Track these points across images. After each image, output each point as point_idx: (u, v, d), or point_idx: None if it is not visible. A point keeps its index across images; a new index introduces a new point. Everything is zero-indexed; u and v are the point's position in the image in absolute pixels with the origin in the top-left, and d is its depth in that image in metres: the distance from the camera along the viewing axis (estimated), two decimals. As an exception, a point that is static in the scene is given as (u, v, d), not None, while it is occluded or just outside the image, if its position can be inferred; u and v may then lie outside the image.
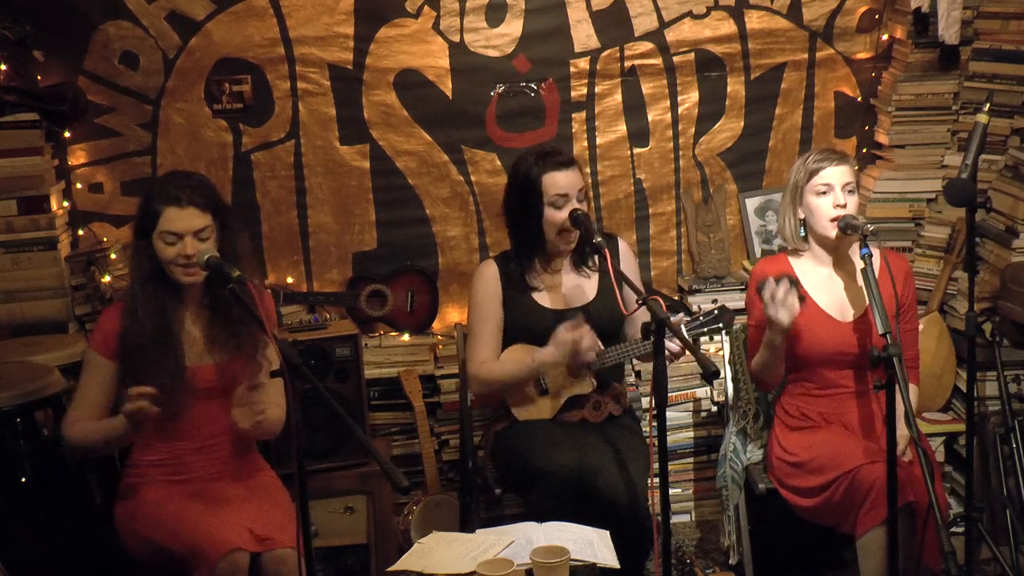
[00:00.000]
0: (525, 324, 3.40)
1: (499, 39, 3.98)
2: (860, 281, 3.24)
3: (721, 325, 3.19)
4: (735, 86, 4.14)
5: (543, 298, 3.41)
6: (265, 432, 3.02)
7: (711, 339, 3.86)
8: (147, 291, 2.94)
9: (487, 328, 3.42)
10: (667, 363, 2.99)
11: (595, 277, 3.45)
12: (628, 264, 3.47)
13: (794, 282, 3.08)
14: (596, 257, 3.42)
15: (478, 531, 2.87)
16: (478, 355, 3.41)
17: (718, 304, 3.27)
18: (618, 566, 2.69)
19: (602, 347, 3.28)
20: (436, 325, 4.15)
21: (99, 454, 2.98)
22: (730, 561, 3.65)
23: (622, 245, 3.52)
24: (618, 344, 3.32)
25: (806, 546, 3.63)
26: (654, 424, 2.74)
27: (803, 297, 3.10)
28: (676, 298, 4.22)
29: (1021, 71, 3.89)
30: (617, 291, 3.34)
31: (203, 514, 2.84)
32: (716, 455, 3.81)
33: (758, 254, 4.18)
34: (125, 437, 2.90)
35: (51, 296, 3.73)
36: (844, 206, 3.18)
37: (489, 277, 3.44)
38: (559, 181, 3.30)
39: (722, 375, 3.66)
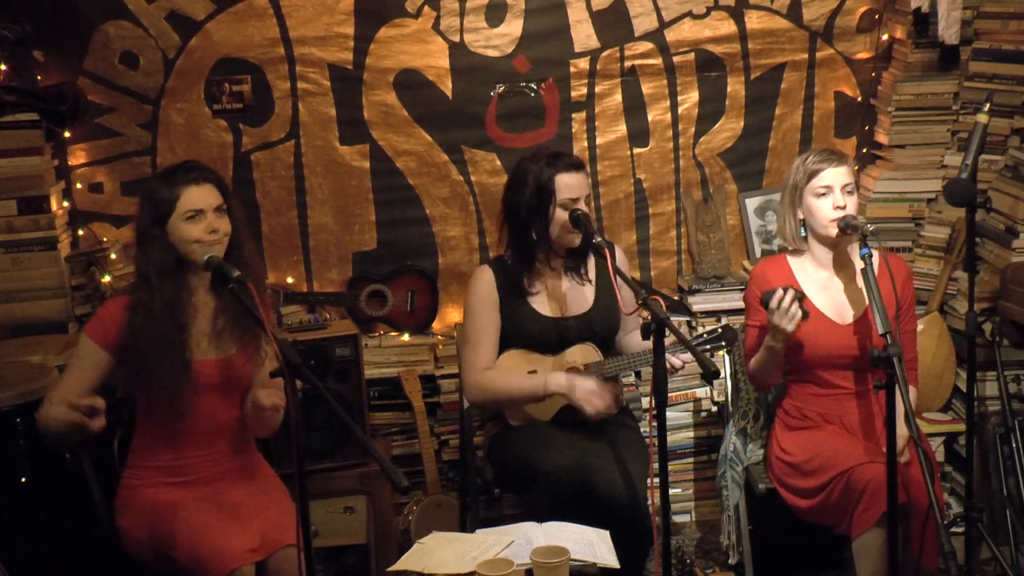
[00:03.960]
0: (523, 330, 3.38)
1: (499, 39, 3.98)
2: (860, 282, 3.24)
3: (724, 343, 3.19)
4: (735, 86, 4.14)
5: (540, 304, 3.39)
6: (265, 427, 3.01)
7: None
8: (164, 285, 2.90)
9: (486, 335, 3.38)
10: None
11: (588, 285, 3.44)
12: (624, 270, 3.46)
13: (800, 295, 3.09)
14: (588, 264, 3.42)
15: (478, 531, 2.86)
16: (478, 362, 3.37)
17: (724, 324, 3.28)
18: (618, 566, 2.69)
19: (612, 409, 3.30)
20: (436, 325, 4.15)
21: (66, 444, 2.89)
22: (730, 561, 3.65)
23: (618, 251, 3.50)
24: (613, 357, 3.32)
25: (806, 546, 3.63)
26: (654, 424, 2.74)
27: (807, 312, 3.09)
28: (676, 298, 4.22)
29: (1021, 71, 3.89)
30: (617, 291, 3.34)
31: (207, 526, 2.81)
32: (716, 455, 3.81)
33: (758, 254, 4.17)
34: (86, 433, 2.73)
35: (51, 296, 3.73)
36: (844, 207, 3.18)
37: (485, 283, 3.40)
38: (571, 184, 3.28)
39: (722, 375, 3.66)
